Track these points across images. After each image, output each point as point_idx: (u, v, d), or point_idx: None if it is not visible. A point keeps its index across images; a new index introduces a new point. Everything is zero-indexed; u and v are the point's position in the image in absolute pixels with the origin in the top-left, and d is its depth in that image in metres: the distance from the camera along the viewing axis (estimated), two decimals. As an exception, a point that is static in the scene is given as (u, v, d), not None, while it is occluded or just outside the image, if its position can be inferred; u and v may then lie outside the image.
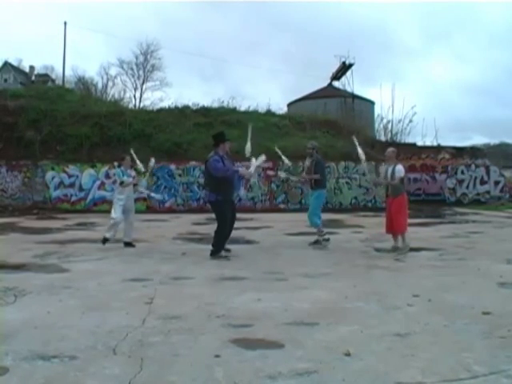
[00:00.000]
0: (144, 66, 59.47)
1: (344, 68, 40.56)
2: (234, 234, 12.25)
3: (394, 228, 10.47)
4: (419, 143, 32.65)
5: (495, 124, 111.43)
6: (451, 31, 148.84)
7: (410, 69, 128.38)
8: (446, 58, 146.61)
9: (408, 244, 10.32)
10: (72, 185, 23.77)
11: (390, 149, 11.12)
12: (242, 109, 31.35)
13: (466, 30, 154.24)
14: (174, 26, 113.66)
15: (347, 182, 24.62)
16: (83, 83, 49.11)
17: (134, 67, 59.15)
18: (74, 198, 23.74)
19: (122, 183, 11.36)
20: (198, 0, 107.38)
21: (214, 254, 9.61)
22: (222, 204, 9.68)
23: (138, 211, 21.89)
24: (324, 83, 46.30)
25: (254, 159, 10.54)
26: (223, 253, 9.80)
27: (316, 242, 11.22)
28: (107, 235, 11.09)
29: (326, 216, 14.53)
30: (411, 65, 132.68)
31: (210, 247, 9.63)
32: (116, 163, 13.90)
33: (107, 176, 23.52)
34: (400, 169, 10.35)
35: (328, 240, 11.19)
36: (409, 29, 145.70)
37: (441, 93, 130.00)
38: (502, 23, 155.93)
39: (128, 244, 11.30)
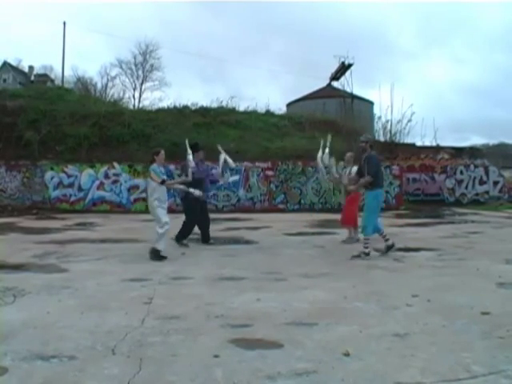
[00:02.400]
0: (143, 66, 59.50)
1: (343, 68, 40.60)
2: (234, 233, 12.27)
3: (345, 220, 11.90)
4: (418, 143, 32.65)
5: (493, 125, 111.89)
6: (449, 33, 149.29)
7: (408, 70, 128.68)
8: (444, 60, 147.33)
9: (357, 238, 11.50)
10: (71, 185, 23.70)
11: (349, 153, 12.29)
12: (241, 109, 31.37)
13: (463, 32, 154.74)
14: (174, 27, 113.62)
15: (346, 183, 24.61)
16: (82, 83, 49.10)
17: (133, 67, 59.18)
18: (73, 198, 23.68)
19: (163, 182, 9.58)
20: (196, 1, 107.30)
21: (178, 239, 11.38)
22: (193, 201, 11.15)
23: (137, 211, 21.99)
24: (323, 83, 46.39)
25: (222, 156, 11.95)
26: (185, 241, 11.39)
27: (390, 247, 9.87)
28: (160, 247, 9.48)
29: (325, 216, 14.59)
30: (410, 66, 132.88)
31: (209, 247, 9.78)
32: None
33: (106, 176, 23.49)
34: (356, 170, 11.26)
35: (368, 254, 9.60)
36: (407, 31, 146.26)
37: (439, 94, 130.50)
38: (500, 26, 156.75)
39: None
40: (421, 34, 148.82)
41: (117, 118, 26.33)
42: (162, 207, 9.61)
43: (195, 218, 11.45)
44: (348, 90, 36.79)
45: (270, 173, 24.15)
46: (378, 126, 34.40)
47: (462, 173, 26.80)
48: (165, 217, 9.55)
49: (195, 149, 11.68)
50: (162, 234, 9.45)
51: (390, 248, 9.89)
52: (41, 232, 14.23)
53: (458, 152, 29.30)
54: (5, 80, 58.27)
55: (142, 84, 59.51)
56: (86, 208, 23.36)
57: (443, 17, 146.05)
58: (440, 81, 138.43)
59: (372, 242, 11.56)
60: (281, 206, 23.97)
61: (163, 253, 9.54)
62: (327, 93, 41.86)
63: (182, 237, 11.40)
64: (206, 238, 11.57)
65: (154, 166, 9.73)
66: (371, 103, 42.01)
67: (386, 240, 9.94)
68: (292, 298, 6.22)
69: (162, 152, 10.00)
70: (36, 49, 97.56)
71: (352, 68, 39.58)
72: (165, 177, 9.76)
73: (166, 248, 9.63)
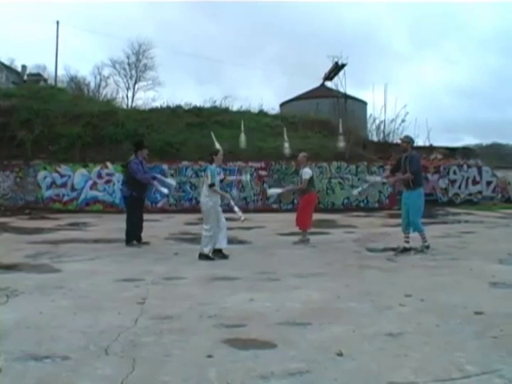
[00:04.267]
0: (136, 65, 59.31)
1: (336, 68, 40.52)
2: (227, 234, 12.23)
3: (297, 223, 11.79)
4: (411, 143, 32.59)
5: (486, 125, 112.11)
6: (441, 36, 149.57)
7: (401, 72, 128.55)
8: (436, 62, 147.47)
9: (307, 239, 11.59)
10: (64, 185, 23.69)
11: (301, 154, 12.13)
12: (235, 109, 31.35)
13: (455, 34, 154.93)
14: (169, 27, 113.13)
15: (339, 182, 24.64)
16: (75, 83, 48.94)
17: (127, 67, 59.00)
18: (66, 198, 23.66)
19: (212, 185, 9.43)
20: (191, 1, 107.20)
21: (127, 242, 11.34)
22: (135, 200, 11.45)
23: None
24: (317, 84, 46.36)
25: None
26: (135, 242, 11.39)
27: (406, 250, 10.09)
28: (206, 251, 9.41)
29: (318, 216, 14.59)
30: (403, 68, 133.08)
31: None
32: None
33: (99, 176, 23.50)
34: (306, 171, 11.68)
35: (428, 247, 10.10)
36: (399, 33, 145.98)
37: (432, 95, 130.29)
38: (491, 28, 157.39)
39: (219, 252, 9.63)
40: (413, 37, 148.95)
41: (110, 118, 26.29)
42: (216, 210, 9.53)
43: (136, 217, 11.44)
44: (341, 90, 36.79)
45: (263, 173, 24.18)
46: (371, 126, 34.48)
47: (455, 173, 26.83)
48: (214, 222, 9.46)
49: (140, 146, 11.90)
50: (209, 237, 9.42)
51: (427, 248, 10.08)
52: (34, 232, 14.19)
53: (451, 152, 29.26)
54: (-3, 79, 58.00)
55: (135, 84, 59.36)
56: (79, 208, 23.35)
57: (435, 19, 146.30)
58: (432, 82, 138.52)
59: (366, 241, 11.62)
60: (274, 206, 24.01)
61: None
62: (321, 93, 41.84)
63: (130, 238, 11.39)
64: (138, 238, 11.61)
65: (212, 166, 9.62)
66: (365, 103, 42.03)
67: (425, 241, 10.18)
68: (285, 298, 6.22)
69: (221, 152, 9.91)
70: (29, 48, 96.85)
71: (345, 69, 39.54)
72: (218, 179, 9.68)
73: (211, 250, 9.52)
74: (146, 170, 11.77)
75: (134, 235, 11.45)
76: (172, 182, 11.83)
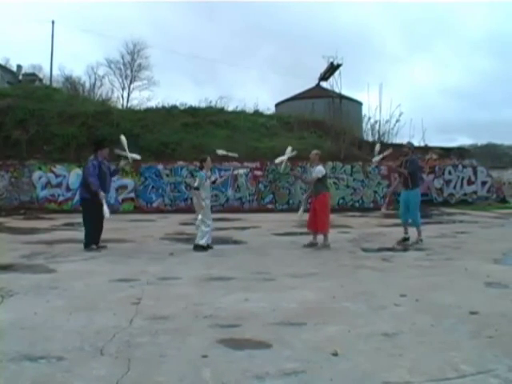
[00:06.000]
0: (131, 65, 59.19)
1: (332, 69, 40.50)
2: (222, 234, 12.23)
3: (317, 226, 11.13)
4: (406, 144, 32.52)
5: (480, 126, 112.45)
6: (434, 38, 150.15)
7: (395, 74, 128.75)
8: (429, 63, 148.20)
9: (329, 244, 11.01)
10: (59, 185, 23.65)
11: (314, 151, 11.82)
12: (230, 109, 31.35)
13: (447, 37, 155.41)
14: (165, 28, 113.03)
15: (335, 183, 24.64)
16: (71, 83, 48.81)
17: (122, 67, 58.86)
18: (61, 198, 23.62)
19: (196, 189, 10.70)
20: (186, 1, 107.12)
21: (86, 246, 10.62)
22: (89, 202, 10.66)
23: (125, 211, 21.91)
24: (312, 84, 46.36)
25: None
26: (94, 246, 10.67)
27: (406, 240, 11.52)
28: (201, 242, 10.52)
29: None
30: (397, 70, 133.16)
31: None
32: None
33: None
34: (319, 169, 11.21)
35: (421, 241, 11.45)
36: (393, 35, 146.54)
37: (426, 97, 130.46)
38: (482, 31, 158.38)
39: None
40: (407, 38, 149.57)
41: (105, 118, 26.27)
42: (208, 207, 10.81)
43: (94, 220, 10.67)
44: (337, 90, 36.78)
45: (258, 173, 24.18)
46: (366, 126, 34.47)
47: (450, 173, 26.86)
48: (210, 217, 10.85)
49: (100, 146, 11.28)
50: (206, 232, 10.60)
51: (421, 241, 11.43)
52: (29, 232, 14.16)
53: (446, 152, 29.31)
54: (-8, 79, 57.76)
55: (130, 83, 59.22)
56: (74, 208, 23.22)
57: (428, 22, 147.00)
58: (426, 83, 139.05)
59: (361, 241, 11.63)
60: (269, 206, 24.03)
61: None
62: (316, 93, 41.81)
63: (87, 243, 10.66)
64: (97, 241, 10.87)
65: (202, 173, 10.81)
66: (360, 103, 42.02)
67: (419, 234, 11.51)
68: (280, 298, 6.22)
69: (209, 159, 11.00)
70: (24, 48, 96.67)
71: (340, 69, 39.52)
72: (208, 181, 10.90)
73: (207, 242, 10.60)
74: (106, 170, 11.05)
75: (93, 239, 10.78)
76: (107, 213, 10.74)
